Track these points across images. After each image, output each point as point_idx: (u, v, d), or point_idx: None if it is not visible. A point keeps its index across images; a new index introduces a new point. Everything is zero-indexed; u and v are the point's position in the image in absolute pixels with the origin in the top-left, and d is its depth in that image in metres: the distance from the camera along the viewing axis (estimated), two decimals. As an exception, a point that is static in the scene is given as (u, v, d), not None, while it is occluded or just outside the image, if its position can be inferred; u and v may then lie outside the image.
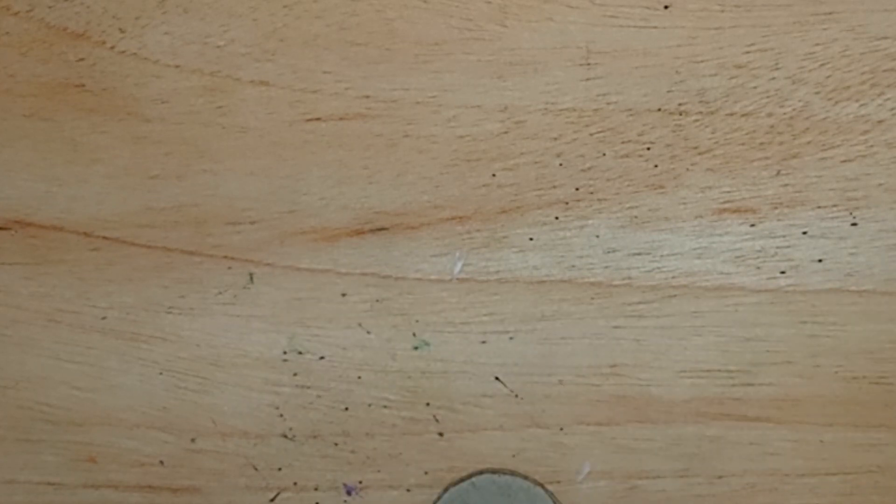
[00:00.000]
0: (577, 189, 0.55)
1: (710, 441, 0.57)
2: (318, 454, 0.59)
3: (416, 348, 0.58)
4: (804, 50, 0.51)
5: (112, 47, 0.55)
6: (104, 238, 0.59)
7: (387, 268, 0.57)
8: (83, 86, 0.56)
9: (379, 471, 0.60)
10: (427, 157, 0.55)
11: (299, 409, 0.59)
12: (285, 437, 0.59)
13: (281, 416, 0.59)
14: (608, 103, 0.53)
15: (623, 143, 0.54)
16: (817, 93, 0.52)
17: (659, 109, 0.53)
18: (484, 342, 0.58)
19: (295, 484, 0.61)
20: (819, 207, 0.54)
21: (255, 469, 0.61)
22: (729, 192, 0.54)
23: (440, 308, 0.57)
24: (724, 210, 0.54)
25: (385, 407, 0.59)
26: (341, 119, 0.55)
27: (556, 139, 0.54)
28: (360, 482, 0.61)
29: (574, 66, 0.53)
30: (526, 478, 0.56)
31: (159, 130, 0.56)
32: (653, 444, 0.57)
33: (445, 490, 0.56)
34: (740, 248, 0.55)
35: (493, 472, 0.56)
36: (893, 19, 0.50)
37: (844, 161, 0.53)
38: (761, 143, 0.53)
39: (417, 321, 0.58)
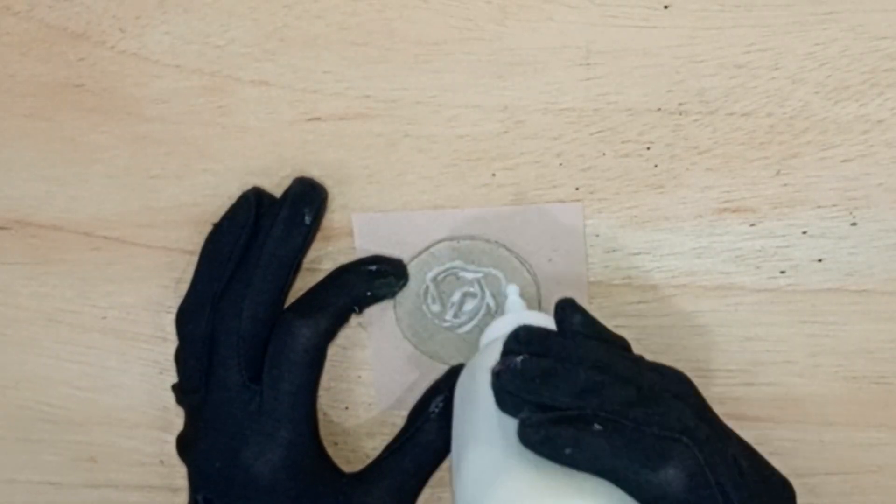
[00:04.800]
0: (577, 189, 0.55)
1: (710, 441, 0.57)
2: (318, 454, 0.59)
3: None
4: (804, 50, 0.51)
5: (112, 47, 0.55)
6: (104, 238, 0.59)
7: (387, 268, 0.57)
8: (83, 86, 0.56)
9: (379, 470, 0.60)
10: (427, 157, 0.55)
11: (299, 409, 0.59)
12: (285, 436, 0.59)
13: (281, 415, 0.59)
14: (608, 103, 0.53)
15: (623, 142, 0.54)
16: (817, 93, 0.52)
17: (659, 109, 0.53)
18: (484, 342, 0.58)
19: (295, 484, 0.61)
20: (819, 207, 0.54)
21: (256, 469, 0.61)
22: (729, 191, 0.54)
23: (440, 308, 0.57)
24: (724, 210, 0.54)
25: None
26: (341, 119, 0.55)
27: (556, 139, 0.54)
28: (361, 482, 0.60)
29: (574, 66, 0.53)
30: (488, 241, 0.55)
31: (159, 130, 0.56)
32: (653, 443, 0.57)
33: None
34: (740, 247, 0.55)
35: (451, 239, 0.55)
36: (893, 19, 0.50)
37: (844, 161, 0.53)
38: (761, 143, 0.53)
39: (417, 321, 0.58)
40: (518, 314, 0.52)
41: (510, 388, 0.45)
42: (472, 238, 0.55)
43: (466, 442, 0.47)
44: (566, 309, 0.49)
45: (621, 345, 0.49)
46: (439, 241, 0.56)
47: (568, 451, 0.43)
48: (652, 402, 0.45)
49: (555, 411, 0.44)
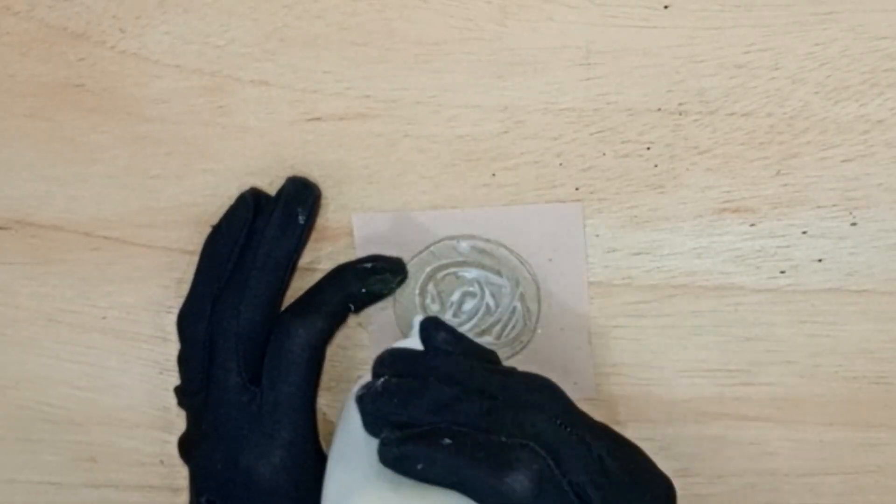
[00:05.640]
0: (577, 189, 0.55)
1: (710, 441, 0.57)
2: (318, 454, 0.59)
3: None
4: (804, 50, 0.51)
5: (112, 47, 0.55)
6: (104, 238, 0.59)
7: (387, 268, 0.57)
8: (83, 86, 0.56)
9: (379, 470, 0.60)
10: (427, 157, 0.55)
11: (299, 409, 0.59)
12: (285, 436, 0.59)
13: (281, 415, 0.59)
14: (608, 103, 0.53)
15: (623, 142, 0.54)
16: (817, 93, 0.52)
17: (659, 109, 0.53)
18: (484, 342, 0.58)
19: (295, 484, 0.61)
20: (819, 207, 0.54)
21: (256, 469, 0.61)
22: (729, 191, 0.54)
23: (440, 308, 0.57)
24: (724, 210, 0.54)
25: (385, 407, 0.60)
26: (341, 119, 0.55)
27: (556, 139, 0.54)
28: (361, 482, 0.60)
29: (574, 66, 0.53)
30: (488, 240, 0.55)
31: (159, 130, 0.56)
32: (653, 443, 0.57)
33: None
34: (740, 247, 0.55)
35: (451, 238, 0.56)
36: (893, 19, 0.50)
37: (844, 161, 0.53)
38: (761, 143, 0.53)
39: (417, 321, 0.58)
40: (414, 339, 0.53)
41: (372, 410, 0.48)
42: (472, 238, 0.55)
43: (334, 461, 0.50)
44: (429, 328, 0.51)
45: (488, 359, 0.51)
46: (440, 241, 0.56)
47: (420, 466, 0.45)
48: (508, 412, 0.46)
49: (412, 429, 0.46)
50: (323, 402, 0.58)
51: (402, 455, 0.46)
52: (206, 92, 0.55)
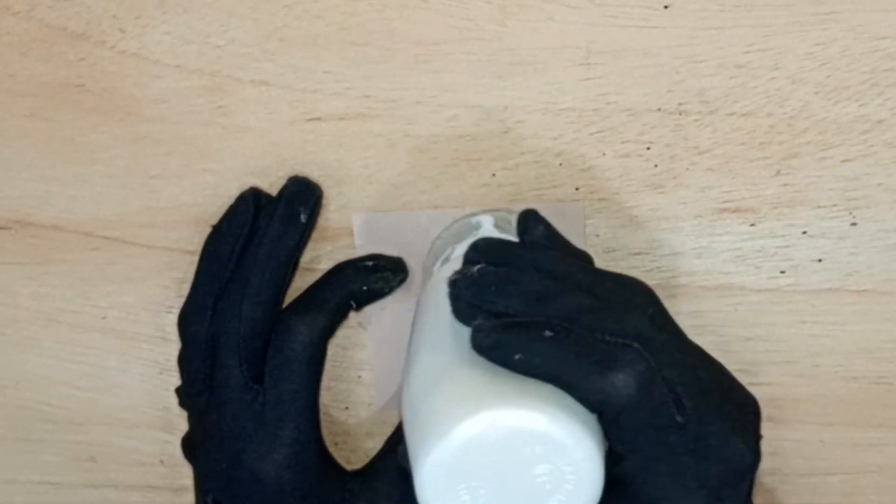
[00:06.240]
0: (577, 189, 0.55)
1: (710, 441, 0.57)
2: (318, 454, 0.59)
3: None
4: (804, 50, 0.51)
5: (112, 47, 0.55)
6: (104, 238, 0.59)
7: (387, 268, 0.57)
8: (83, 86, 0.56)
9: (379, 470, 0.60)
10: (427, 157, 0.55)
11: (299, 409, 0.59)
12: (285, 436, 0.59)
13: (281, 415, 0.59)
14: (608, 103, 0.53)
15: (623, 142, 0.54)
16: (817, 93, 0.52)
17: (659, 109, 0.53)
18: (484, 342, 0.57)
19: (295, 484, 0.61)
20: (819, 207, 0.54)
21: (256, 469, 0.61)
22: (729, 191, 0.54)
23: (440, 308, 0.57)
24: (724, 210, 0.54)
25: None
26: (341, 119, 0.55)
27: (556, 139, 0.54)
28: (361, 482, 0.60)
29: (574, 66, 0.53)
30: (511, 210, 0.54)
31: (159, 130, 0.56)
32: (653, 443, 0.57)
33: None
34: (740, 247, 0.55)
35: (472, 214, 0.55)
36: (893, 19, 0.50)
37: (844, 161, 0.53)
38: (761, 143, 0.53)
39: (417, 321, 0.58)
40: (490, 233, 0.52)
41: (466, 296, 0.46)
42: (496, 210, 0.55)
43: (419, 348, 0.47)
44: (529, 220, 0.49)
45: (584, 258, 0.49)
46: (457, 220, 0.55)
47: (518, 356, 0.43)
48: (608, 310, 0.45)
49: (509, 318, 0.44)
50: (323, 401, 0.58)
51: (499, 343, 0.43)
52: (206, 92, 0.55)
